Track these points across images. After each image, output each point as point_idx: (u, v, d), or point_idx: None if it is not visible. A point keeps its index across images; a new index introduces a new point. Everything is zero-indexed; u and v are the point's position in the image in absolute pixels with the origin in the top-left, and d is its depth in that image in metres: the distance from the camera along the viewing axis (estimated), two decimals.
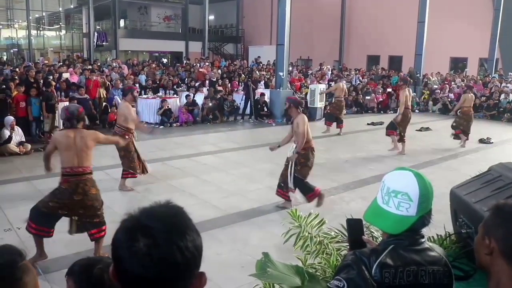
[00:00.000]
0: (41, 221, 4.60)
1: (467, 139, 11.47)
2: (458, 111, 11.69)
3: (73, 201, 4.58)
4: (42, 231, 4.62)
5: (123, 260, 0.96)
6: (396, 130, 10.32)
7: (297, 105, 6.41)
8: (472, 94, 11.85)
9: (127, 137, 6.98)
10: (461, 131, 11.43)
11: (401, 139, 10.41)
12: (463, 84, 19.13)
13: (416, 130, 13.52)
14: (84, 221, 4.75)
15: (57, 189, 4.65)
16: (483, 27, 21.60)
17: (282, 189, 6.54)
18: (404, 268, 1.49)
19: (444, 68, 23.10)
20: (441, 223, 3.55)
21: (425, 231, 1.59)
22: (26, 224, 4.64)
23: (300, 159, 6.35)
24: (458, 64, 24.39)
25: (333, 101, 13.33)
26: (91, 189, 4.68)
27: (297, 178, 6.37)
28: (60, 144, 4.61)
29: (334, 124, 12.90)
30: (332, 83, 18.64)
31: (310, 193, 6.40)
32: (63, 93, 12.58)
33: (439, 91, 19.04)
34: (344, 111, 13.35)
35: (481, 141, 12.14)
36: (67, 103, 11.64)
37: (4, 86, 10.68)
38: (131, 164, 7.25)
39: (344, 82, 14.02)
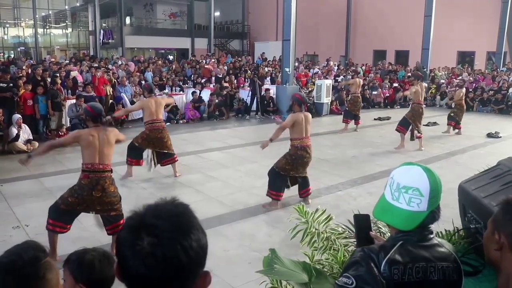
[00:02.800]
0: (58, 217, 4.68)
1: (460, 128, 12.27)
2: (453, 104, 12.69)
3: (92, 197, 4.67)
4: (58, 226, 4.68)
5: (127, 259, 0.95)
6: (408, 127, 10.20)
7: (300, 103, 6.39)
8: (463, 90, 12.73)
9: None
10: (455, 123, 12.13)
11: (417, 135, 10.33)
12: (471, 79, 19.02)
13: (424, 124, 13.42)
14: (101, 215, 4.87)
15: (76, 185, 4.73)
16: (490, 20, 21.40)
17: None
18: (413, 265, 1.48)
19: (451, 62, 22.94)
20: (449, 218, 3.52)
21: (433, 226, 1.57)
22: (46, 223, 4.71)
23: (288, 151, 6.39)
24: (465, 58, 24.20)
25: (349, 98, 13.30)
26: (110, 186, 4.78)
27: (273, 169, 6.38)
28: (83, 141, 4.67)
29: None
30: (339, 79, 18.68)
31: (274, 190, 6.34)
32: (69, 91, 12.63)
33: (446, 85, 18.92)
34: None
35: (489, 135, 12.06)
36: (74, 101, 11.71)
37: (12, 85, 10.74)
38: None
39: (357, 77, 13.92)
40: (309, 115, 6.52)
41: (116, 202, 4.87)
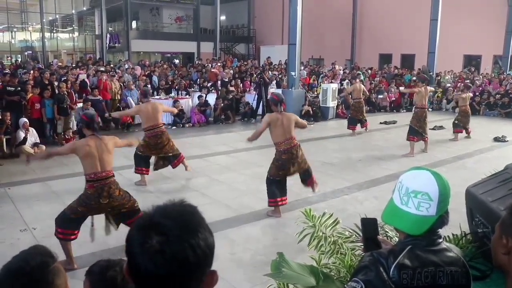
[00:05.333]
0: (68, 225, 4.70)
1: (469, 132, 12.17)
2: (456, 109, 12.61)
3: (101, 204, 4.74)
4: (68, 234, 4.70)
5: (136, 257, 0.98)
6: (416, 136, 10.13)
7: (276, 103, 6.27)
8: (470, 94, 12.60)
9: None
10: (460, 130, 12.01)
11: (423, 138, 10.31)
12: (477, 82, 18.94)
13: (430, 128, 13.39)
14: (113, 214, 4.94)
15: (83, 195, 4.75)
16: (497, 23, 21.34)
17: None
18: (422, 269, 1.48)
19: (457, 66, 22.87)
20: (457, 222, 3.52)
21: (440, 231, 1.57)
22: (55, 231, 4.72)
23: (274, 156, 6.35)
24: (471, 62, 24.12)
25: (352, 103, 13.24)
26: (115, 191, 4.82)
27: (267, 178, 6.32)
28: (80, 152, 4.68)
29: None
30: (344, 82, 18.66)
31: (271, 198, 6.25)
32: (76, 95, 12.70)
33: (452, 89, 18.87)
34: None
35: (496, 139, 12.01)
36: (80, 105, 11.77)
37: (20, 89, 10.81)
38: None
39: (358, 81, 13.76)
40: (291, 115, 6.37)
41: (126, 203, 4.92)
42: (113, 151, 4.85)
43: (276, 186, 6.22)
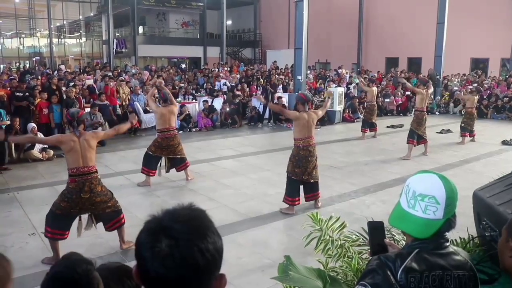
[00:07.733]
0: (56, 224, 4.86)
1: (474, 136, 12.18)
2: (462, 111, 12.91)
3: (82, 198, 4.86)
4: (57, 234, 4.87)
5: (146, 260, 0.99)
6: (417, 139, 10.21)
7: (303, 102, 6.46)
8: (476, 96, 12.61)
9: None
10: (467, 134, 12.03)
11: (423, 141, 10.34)
12: (485, 86, 18.84)
13: (437, 132, 13.39)
14: (96, 213, 5.07)
15: (65, 189, 4.94)
16: (504, 26, 21.23)
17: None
18: (430, 273, 1.47)
19: (464, 69, 22.78)
20: (464, 226, 3.50)
21: (448, 234, 1.57)
22: (44, 230, 4.94)
23: (292, 152, 6.58)
24: (479, 65, 24.00)
25: (365, 105, 13.26)
26: (97, 186, 4.97)
27: (287, 175, 6.52)
28: (65, 146, 4.87)
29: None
30: (351, 86, 18.65)
31: (288, 196, 6.45)
32: (84, 100, 12.78)
33: (459, 92, 18.77)
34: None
35: (504, 142, 11.94)
36: (88, 109, 11.84)
37: (28, 94, 10.90)
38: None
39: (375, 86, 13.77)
40: (313, 114, 6.53)
41: (107, 200, 5.05)
42: (95, 147, 5.04)
43: (292, 185, 6.44)
